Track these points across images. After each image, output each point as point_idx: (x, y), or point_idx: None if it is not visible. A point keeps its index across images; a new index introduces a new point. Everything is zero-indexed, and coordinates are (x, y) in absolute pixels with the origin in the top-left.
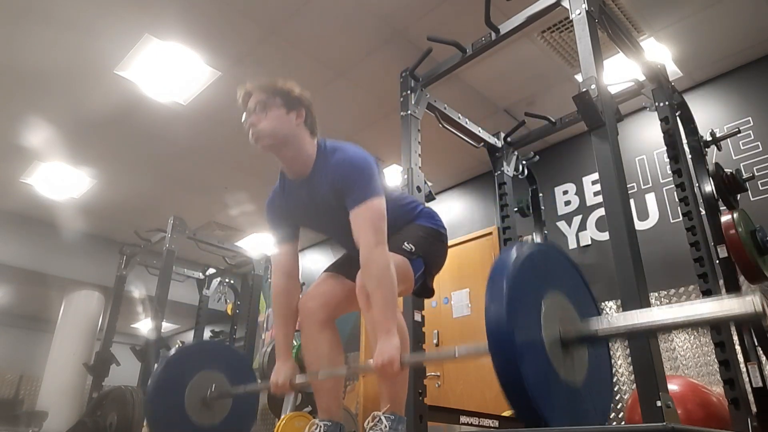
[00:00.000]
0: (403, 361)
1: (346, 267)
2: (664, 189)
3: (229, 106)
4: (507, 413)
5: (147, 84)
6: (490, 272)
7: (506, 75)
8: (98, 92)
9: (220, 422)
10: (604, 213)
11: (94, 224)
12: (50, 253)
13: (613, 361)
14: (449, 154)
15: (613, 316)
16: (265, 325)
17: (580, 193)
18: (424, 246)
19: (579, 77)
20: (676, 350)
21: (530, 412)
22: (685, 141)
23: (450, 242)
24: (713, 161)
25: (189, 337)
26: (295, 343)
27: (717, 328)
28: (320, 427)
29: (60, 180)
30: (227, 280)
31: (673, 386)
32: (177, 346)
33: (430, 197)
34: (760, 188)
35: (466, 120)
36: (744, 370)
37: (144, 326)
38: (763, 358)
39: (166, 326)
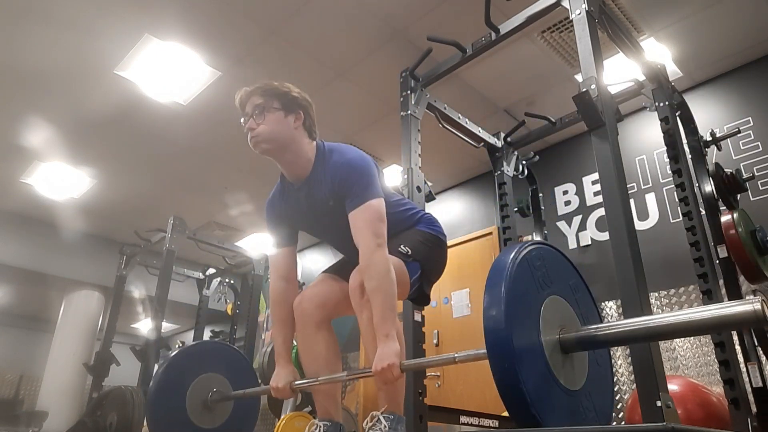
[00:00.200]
0: (403, 367)
1: (345, 269)
2: (664, 189)
3: (229, 106)
4: (507, 413)
5: (147, 84)
6: (488, 275)
7: (506, 75)
8: (98, 92)
9: (222, 424)
10: (604, 213)
11: (94, 224)
12: (50, 253)
13: (613, 361)
14: (449, 154)
15: (614, 322)
16: (265, 325)
17: (580, 193)
18: (421, 251)
19: (579, 77)
20: (676, 350)
21: (528, 418)
22: (685, 141)
23: (450, 242)
24: (713, 161)
25: (189, 337)
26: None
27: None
28: (320, 427)
29: (60, 180)
30: (227, 280)
31: (673, 386)
32: (177, 346)
33: (430, 197)
34: (760, 188)
35: (466, 120)
36: (744, 370)
37: (144, 326)
38: (763, 358)
39: (166, 326)
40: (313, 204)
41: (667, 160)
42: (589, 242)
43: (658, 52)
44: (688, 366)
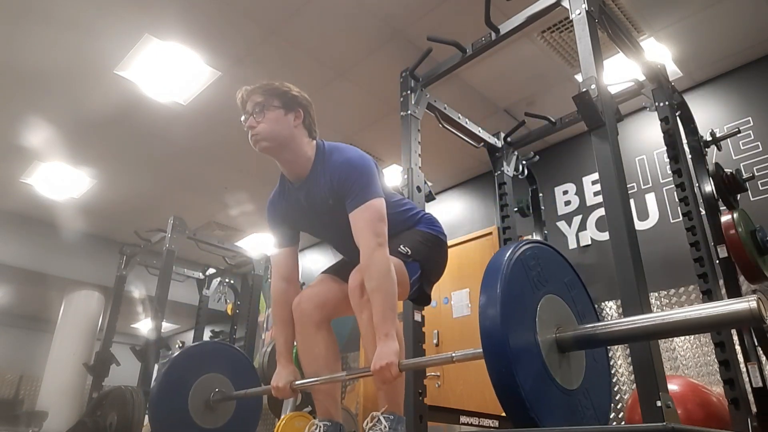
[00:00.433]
0: (402, 366)
1: (344, 269)
2: (664, 189)
3: (229, 106)
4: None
5: (147, 84)
6: (484, 274)
7: (506, 75)
8: (98, 92)
9: (224, 425)
10: (604, 213)
11: (94, 224)
12: (50, 253)
13: (613, 361)
14: (449, 154)
15: (612, 321)
16: (265, 325)
17: (580, 193)
18: (421, 251)
19: (579, 77)
20: (676, 350)
21: (525, 418)
22: (685, 141)
23: (450, 242)
24: (713, 161)
25: (189, 337)
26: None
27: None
28: (320, 427)
29: (60, 180)
30: (227, 280)
31: (673, 386)
32: (177, 346)
33: (430, 197)
34: (760, 188)
35: (466, 120)
36: (744, 370)
37: (144, 326)
38: (763, 358)
39: (166, 326)
40: (313, 203)
41: (667, 160)
42: (589, 242)
43: (658, 52)
44: (688, 366)
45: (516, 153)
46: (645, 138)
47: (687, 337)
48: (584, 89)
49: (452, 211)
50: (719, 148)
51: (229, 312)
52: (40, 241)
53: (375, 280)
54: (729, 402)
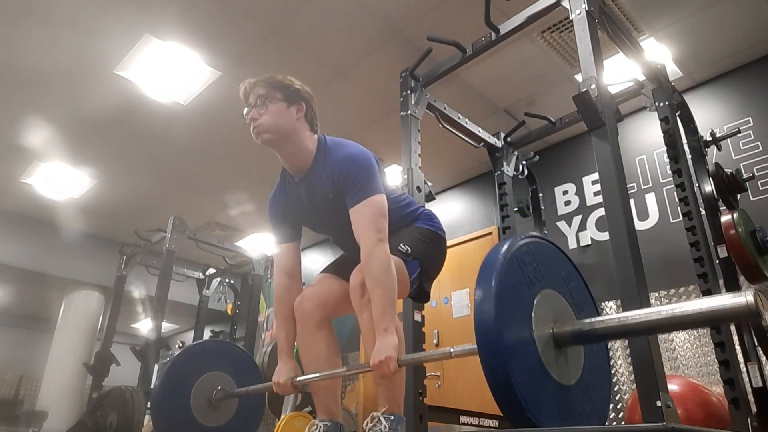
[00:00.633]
0: (400, 361)
1: (344, 268)
2: (664, 189)
3: (229, 106)
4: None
5: (147, 84)
6: (479, 271)
7: (506, 75)
8: (98, 92)
9: (227, 423)
10: (604, 213)
11: (94, 224)
12: (50, 253)
13: (613, 361)
14: (449, 154)
15: (609, 315)
16: (265, 325)
17: (580, 193)
18: (420, 248)
19: (579, 77)
20: (676, 350)
21: (519, 415)
22: (685, 141)
23: (450, 242)
24: (713, 161)
25: (189, 337)
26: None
27: (716, 327)
28: (320, 427)
29: (60, 180)
30: (227, 280)
31: (673, 386)
32: (177, 346)
33: (430, 197)
34: (760, 188)
35: (466, 120)
36: (744, 370)
37: (144, 326)
38: (763, 358)
39: (166, 326)
40: (314, 198)
41: (667, 160)
42: (589, 242)
43: (658, 52)
44: (688, 366)
45: (516, 153)
46: (645, 138)
47: (687, 336)
48: (584, 89)
49: (452, 211)
50: (719, 148)
51: (229, 312)
52: (40, 241)
53: (375, 276)
54: (729, 402)
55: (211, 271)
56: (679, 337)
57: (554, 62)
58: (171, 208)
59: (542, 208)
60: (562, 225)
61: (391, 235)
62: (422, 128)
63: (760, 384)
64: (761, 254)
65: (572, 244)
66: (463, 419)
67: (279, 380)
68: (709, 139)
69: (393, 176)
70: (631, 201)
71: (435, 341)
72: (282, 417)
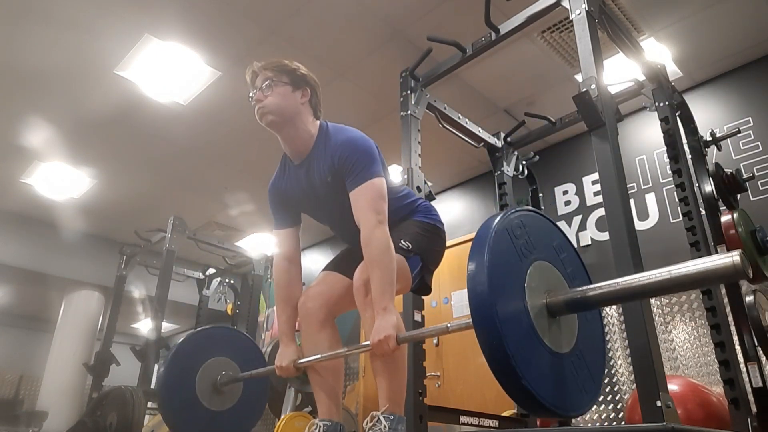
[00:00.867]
0: (399, 339)
1: (345, 264)
2: (664, 189)
3: (229, 106)
4: (507, 413)
5: (147, 84)
6: (471, 246)
7: (506, 75)
8: (98, 92)
9: (232, 407)
10: (604, 213)
11: (94, 224)
12: (50, 253)
13: (612, 361)
14: (449, 154)
15: (600, 283)
16: (265, 325)
17: (580, 193)
18: (421, 243)
19: (579, 77)
20: (676, 350)
21: (515, 383)
22: (685, 141)
23: (450, 242)
24: (713, 161)
25: None
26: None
27: (716, 327)
28: (320, 427)
29: (60, 180)
30: (227, 280)
31: (673, 386)
32: None
33: (430, 197)
34: (760, 188)
35: (466, 120)
36: (744, 370)
37: (144, 326)
38: (763, 358)
39: (166, 326)
40: (312, 181)
41: (667, 160)
42: (589, 242)
43: (658, 52)
44: (688, 366)
45: (516, 153)
46: (645, 138)
47: (687, 337)
48: (584, 89)
49: (452, 211)
50: (719, 148)
51: (229, 312)
52: (40, 241)
53: (374, 257)
54: (729, 402)
55: (211, 271)
56: (679, 337)
57: (554, 62)
58: (171, 208)
59: (542, 208)
60: (562, 225)
61: (391, 229)
62: (422, 128)
63: (760, 384)
64: (761, 254)
65: None
66: (463, 419)
67: (281, 363)
68: (709, 139)
69: (393, 176)
70: (631, 201)
71: (435, 341)
72: (282, 417)
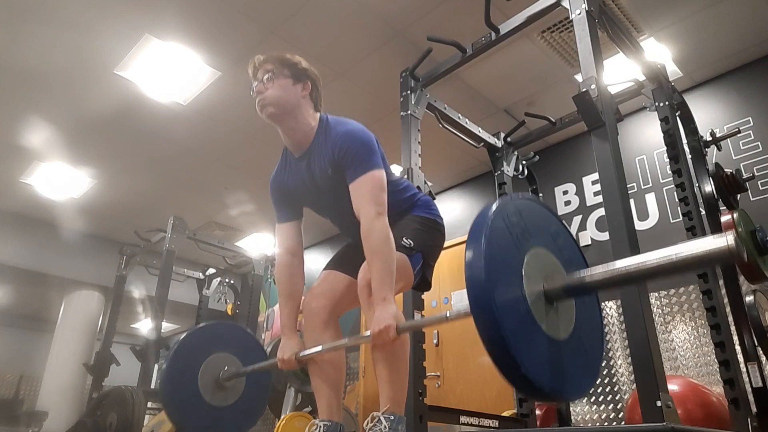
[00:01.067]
0: (399, 328)
1: (345, 262)
2: (664, 189)
3: (229, 106)
4: (507, 413)
5: (147, 84)
6: (469, 232)
7: (506, 75)
8: (98, 92)
9: (234, 402)
10: (604, 213)
11: (94, 224)
12: (50, 253)
13: (612, 361)
14: (449, 154)
15: (597, 267)
16: (265, 325)
17: (580, 193)
18: (422, 239)
19: (579, 77)
20: (676, 350)
21: (515, 372)
22: (685, 141)
23: (450, 242)
24: (713, 161)
25: None
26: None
27: (716, 327)
28: (320, 427)
29: (60, 180)
30: (227, 280)
31: (673, 386)
32: None
33: (430, 197)
34: (760, 188)
35: (466, 120)
36: (744, 370)
37: (144, 326)
38: (763, 358)
39: (166, 326)
40: (313, 174)
41: (667, 160)
42: (589, 242)
43: (658, 52)
44: (688, 366)
45: (516, 153)
46: (645, 138)
47: (687, 337)
48: (584, 89)
49: (452, 211)
50: (719, 148)
51: (229, 312)
52: (40, 241)
53: (374, 247)
54: (729, 402)
55: (211, 271)
56: (679, 337)
57: (554, 62)
58: (171, 208)
59: None
60: None
61: (391, 223)
62: (422, 128)
63: (760, 384)
64: (761, 254)
65: None
66: (463, 419)
67: (284, 356)
68: (709, 139)
69: (393, 170)
70: (631, 201)
71: (435, 341)
72: (282, 417)
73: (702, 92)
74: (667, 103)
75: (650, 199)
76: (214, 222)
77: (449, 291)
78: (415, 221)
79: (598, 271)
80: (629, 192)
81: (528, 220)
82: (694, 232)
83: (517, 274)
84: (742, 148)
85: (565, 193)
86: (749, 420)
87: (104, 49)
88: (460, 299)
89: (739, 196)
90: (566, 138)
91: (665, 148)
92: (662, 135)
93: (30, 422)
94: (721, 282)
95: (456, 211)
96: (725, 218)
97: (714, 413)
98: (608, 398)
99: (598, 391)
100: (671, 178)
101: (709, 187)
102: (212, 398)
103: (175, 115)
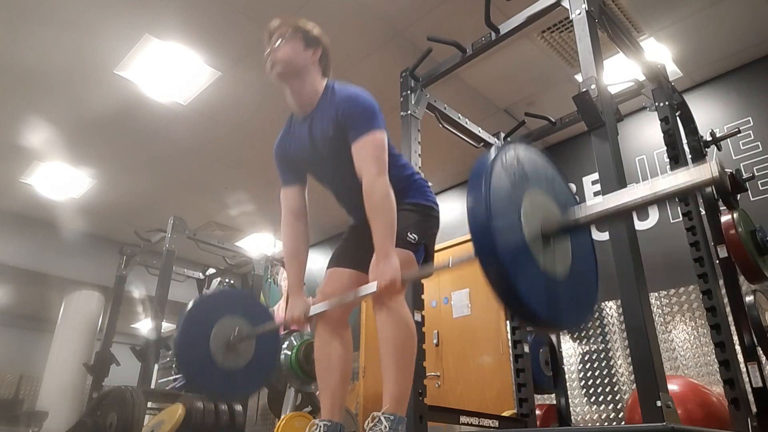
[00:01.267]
0: (404, 278)
1: (346, 257)
2: None
3: (229, 106)
4: (507, 413)
5: (147, 84)
6: (470, 176)
7: (506, 75)
8: (98, 92)
9: (246, 365)
10: None
11: (94, 224)
12: (50, 253)
13: (612, 361)
14: (449, 154)
15: (589, 204)
16: None
17: (580, 193)
18: (423, 230)
19: (579, 77)
20: (676, 350)
21: (521, 308)
22: (685, 141)
23: (450, 242)
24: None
25: None
26: (296, 343)
27: (716, 326)
28: (320, 427)
29: (60, 180)
30: (227, 280)
31: (673, 386)
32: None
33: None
34: (760, 188)
35: (466, 120)
36: (744, 370)
37: (144, 326)
38: (763, 358)
39: (166, 326)
40: (314, 137)
41: (667, 160)
42: None
43: (658, 52)
44: (688, 366)
45: None
46: (645, 138)
47: (687, 337)
48: (584, 89)
49: (452, 211)
50: (719, 148)
51: None
52: (40, 241)
53: (376, 204)
54: (729, 402)
55: (211, 271)
56: (679, 338)
57: (554, 62)
58: (171, 208)
59: None
60: None
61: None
62: (422, 128)
63: (760, 384)
64: (761, 254)
65: None
66: (463, 419)
67: (293, 314)
68: (709, 139)
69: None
70: None
71: (435, 341)
72: (282, 417)
73: (702, 92)
74: (667, 103)
75: None
76: (214, 222)
77: (449, 291)
78: (416, 213)
79: (591, 208)
80: None
81: (525, 165)
82: (694, 232)
83: (516, 214)
84: (742, 148)
85: None
86: (749, 420)
87: (104, 49)
88: (460, 300)
89: (739, 196)
90: (566, 138)
91: (665, 148)
92: (662, 135)
93: (30, 422)
94: (721, 282)
95: (456, 211)
96: (725, 218)
97: (714, 413)
98: (608, 398)
99: (598, 391)
100: None
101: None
102: (224, 360)
103: (175, 115)
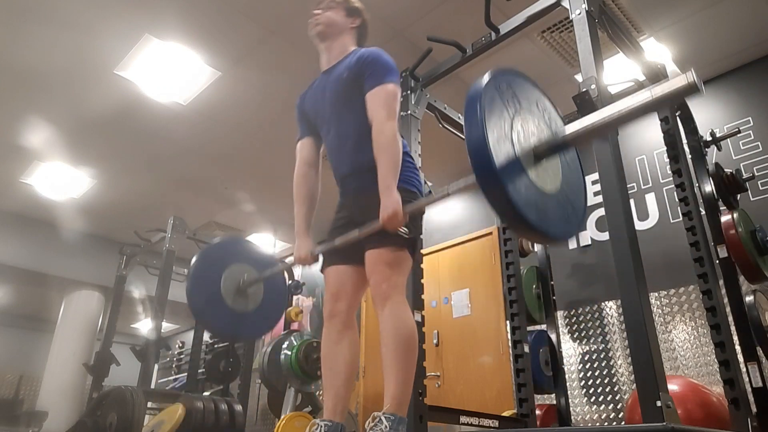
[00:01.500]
0: (406, 210)
1: (341, 253)
2: (664, 189)
3: (229, 106)
4: (507, 413)
5: (147, 84)
6: (465, 103)
7: None
8: (98, 92)
9: (255, 309)
10: (604, 213)
11: (94, 224)
12: (50, 253)
13: (612, 361)
14: (449, 154)
15: (574, 122)
16: None
17: None
18: (415, 223)
19: (579, 77)
20: (676, 350)
21: (513, 213)
22: (685, 141)
23: (450, 242)
24: (713, 161)
25: (189, 337)
26: (296, 343)
27: (716, 326)
28: (321, 427)
29: (60, 180)
30: None
31: (673, 386)
32: (177, 346)
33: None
34: (760, 188)
35: None
36: (744, 370)
37: (144, 326)
38: (763, 358)
39: (166, 326)
40: (329, 84)
41: (667, 160)
42: (589, 242)
43: (658, 52)
44: (688, 366)
45: None
46: (645, 138)
47: (687, 337)
48: (584, 89)
49: (452, 211)
50: (719, 148)
51: None
52: (40, 241)
53: (383, 145)
54: (729, 402)
55: None
56: (679, 337)
57: (554, 62)
58: (171, 208)
59: None
60: None
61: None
62: (422, 128)
63: (760, 384)
64: (761, 254)
65: (572, 244)
66: (463, 419)
67: (300, 254)
68: (709, 139)
69: None
70: (631, 201)
71: (435, 341)
72: (282, 417)
73: None
74: None
75: (650, 199)
76: (214, 222)
77: (449, 291)
78: (406, 201)
79: (576, 126)
80: (629, 192)
81: (516, 89)
82: (694, 232)
83: (509, 136)
84: (742, 148)
85: None
86: (749, 420)
87: (104, 49)
88: (460, 300)
89: (739, 196)
90: None
91: (665, 148)
92: (662, 135)
93: (30, 422)
94: (721, 282)
95: (456, 211)
96: (725, 218)
97: (714, 413)
98: (608, 398)
99: (598, 391)
100: (671, 178)
101: (709, 187)
102: (234, 303)
103: (175, 115)
